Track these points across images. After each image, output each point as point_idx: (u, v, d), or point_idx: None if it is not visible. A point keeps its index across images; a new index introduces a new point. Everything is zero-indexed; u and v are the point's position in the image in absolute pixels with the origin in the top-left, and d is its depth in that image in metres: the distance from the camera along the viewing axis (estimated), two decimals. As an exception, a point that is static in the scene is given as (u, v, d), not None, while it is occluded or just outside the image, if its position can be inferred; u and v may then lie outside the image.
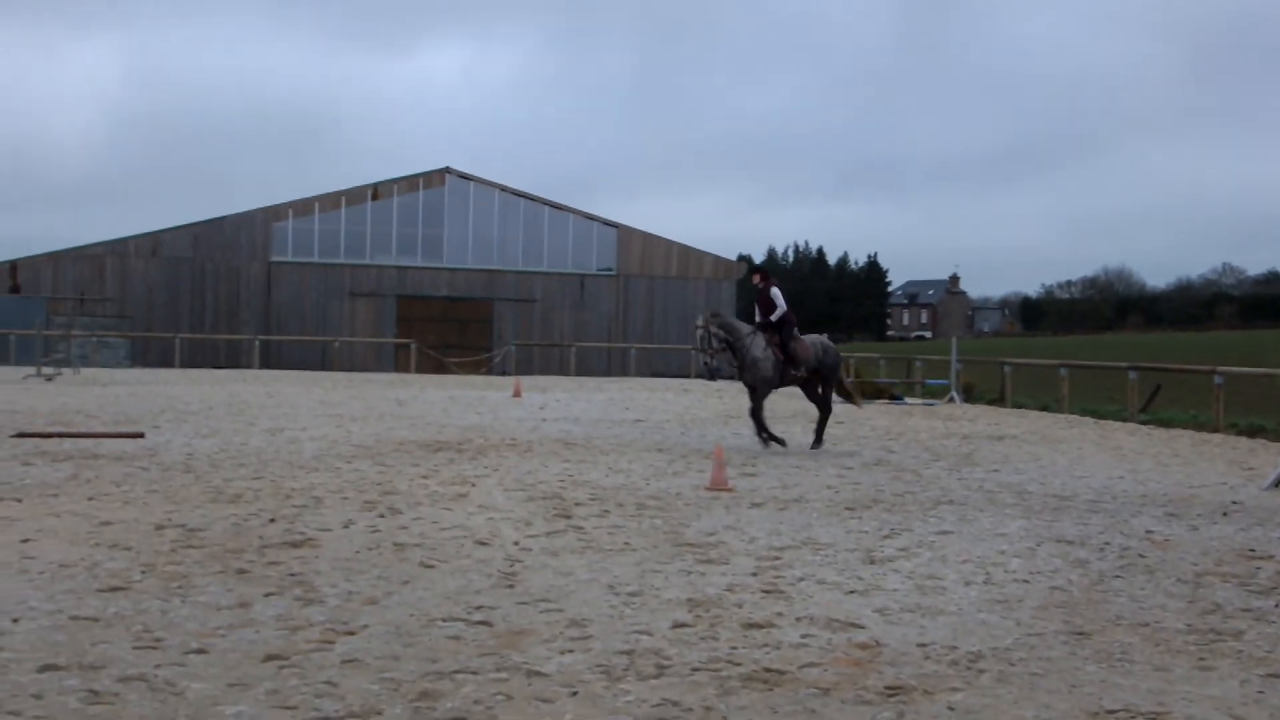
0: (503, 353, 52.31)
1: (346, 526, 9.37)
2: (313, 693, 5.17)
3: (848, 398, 19.13)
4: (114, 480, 11.70)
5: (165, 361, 47.22)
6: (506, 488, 11.94)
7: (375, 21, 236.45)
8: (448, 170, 55.62)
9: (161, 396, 25.84)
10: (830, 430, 18.55)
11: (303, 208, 54.20)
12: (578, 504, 10.96)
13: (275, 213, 53.92)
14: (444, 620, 6.50)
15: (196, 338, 50.22)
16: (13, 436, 15.72)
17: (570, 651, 5.96)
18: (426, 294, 54.56)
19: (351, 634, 6.16)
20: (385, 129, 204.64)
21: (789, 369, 17.27)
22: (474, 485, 12.03)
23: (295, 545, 8.52)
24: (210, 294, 53.26)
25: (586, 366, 52.00)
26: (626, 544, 8.99)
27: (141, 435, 16.25)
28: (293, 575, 7.52)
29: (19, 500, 10.24)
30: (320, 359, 51.04)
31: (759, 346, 17.20)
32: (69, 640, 5.86)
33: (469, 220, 55.54)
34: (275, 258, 53.70)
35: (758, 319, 17.53)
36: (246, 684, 5.25)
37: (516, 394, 30.00)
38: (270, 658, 5.67)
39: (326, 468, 13.19)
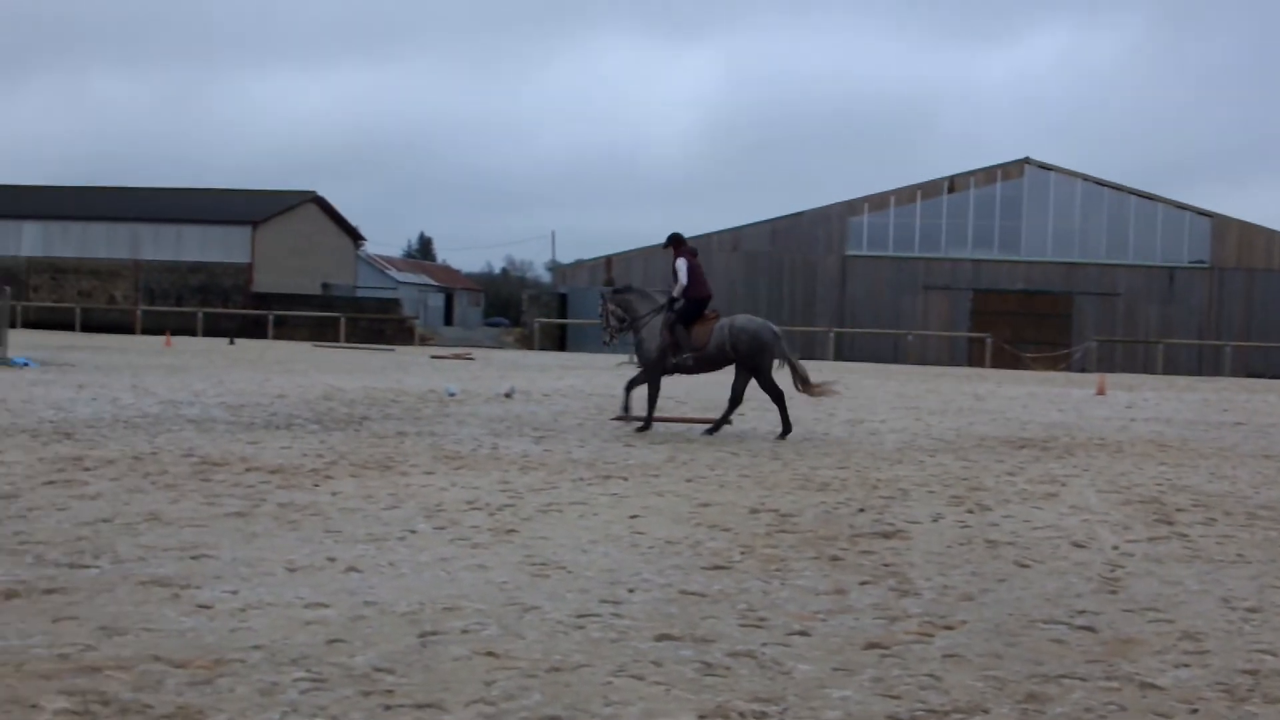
0: (1083, 349, 50.27)
1: (935, 520, 9.27)
2: (916, 684, 5.09)
3: (802, 386, 15.63)
4: (708, 464, 12.27)
5: (746, 352, 49.32)
6: (1099, 489, 11.36)
7: (976, 13, 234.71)
8: (1027, 161, 54.19)
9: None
10: None
11: (878, 202, 54.77)
12: (1179, 510, 10.22)
13: (851, 207, 54.87)
14: (1045, 622, 6.22)
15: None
16: (613, 419, 16.91)
17: (1186, 666, 5.52)
18: (1002, 287, 53.48)
19: (950, 628, 6.03)
20: (968, 121, 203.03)
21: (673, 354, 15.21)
22: (1064, 485, 11.54)
23: (886, 536, 8.53)
24: (787, 286, 55.07)
25: (1174, 364, 48.88)
26: (1239, 555, 8.26)
27: (729, 422, 16.97)
28: (886, 565, 7.51)
29: (625, 479, 10.98)
30: (892, 352, 51.39)
31: (651, 328, 15.44)
32: (680, 613, 6.14)
33: (1048, 212, 53.81)
34: (850, 251, 54.65)
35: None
36: (850, 669, 5.27)
37: (1100, 391, 28.67)
38: (871, 645, 5.66)
39: (909, 460, 13.16)
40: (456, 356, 39.77)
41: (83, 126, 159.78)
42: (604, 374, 30.66)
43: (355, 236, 72.80)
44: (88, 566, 6.69)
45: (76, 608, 5.81)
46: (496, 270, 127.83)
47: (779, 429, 15.39)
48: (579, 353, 50.18)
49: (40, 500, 8.75)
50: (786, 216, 55.55)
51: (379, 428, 14.77)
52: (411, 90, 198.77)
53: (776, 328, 15.72)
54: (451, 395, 20.34)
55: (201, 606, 5.90)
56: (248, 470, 10.61)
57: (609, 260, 56.78)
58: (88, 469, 10.38)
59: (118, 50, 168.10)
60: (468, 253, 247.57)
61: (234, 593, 6.18)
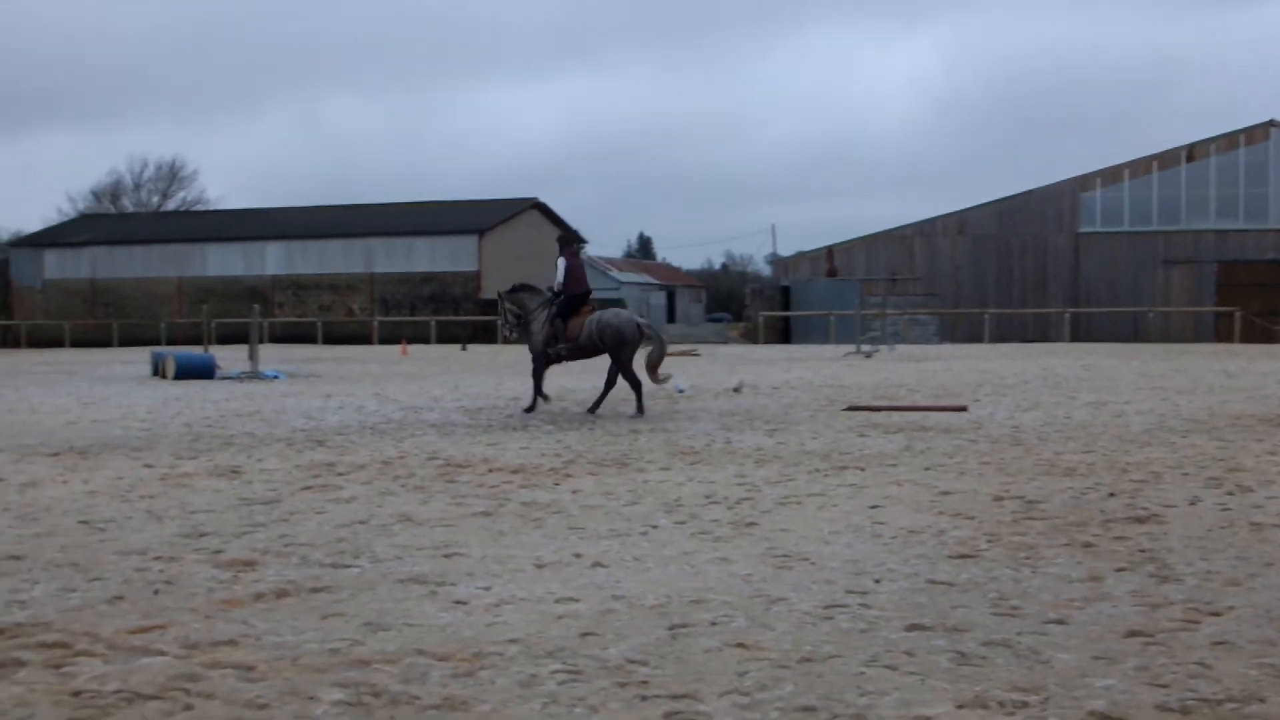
0: (1340, 319, 47.43)
1: (1193, 503, 8.87)
2: (1184, 672, 4.89)
3: (650, 374, 16.73)
4: (945, 452, 12.04)
5: (974, 336, 48.25)
6: (1370, 466, 10.69)
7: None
8: (1272, 124, 51.41)
9: (975, 371, 26.38)
10: None
11: (1111, 176, 52.82)
12: None
13: (1082, 183, 53.08)
14: (1321, 608, 5.90)
15: (1004, 312, 50.82)
16: (844, 410, 16.77)
17: None
18: (1250, 258, 50.89)
19: (1217, 615, 5.77)
20: (1206, 88, 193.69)
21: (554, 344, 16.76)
22: (1330, 462, 10.91)
23: (1140, 520, 8.21)
24: (1016, 268, 53.64)
25: None
26: None
27: (964, 409, 16.63)
28: (1142, 551, 7.22)
29: (862, 469, 10.86)
30: (1132, 330, 49.52)
31: (538, 321, 17.03)
32: (929, 603, 6.04)
33: (1298, 175, 50.91)
34: (1083, 229, 52.87)
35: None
36: (1111, 658, 5.09)
37: (1361, 364, 27.01)
38: (1132, 633, 5.45)
39: (1159, 442, 12.64)
40: (683, 353, 40.07)
41: (319, 148, 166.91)
42: (832, 365, 30.42)
43: (578, 240, 74.15)
44: (349, 566, 6.99)
45: (342, 605, 6.07)
46: (716, 266, 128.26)
47: (631, 409, 16.72)
48: (804, 344, 49.89)
49: (300, 505, 9.18)
50: (1014, 196, 54.05)
51: (612, 426, 14.99)
52: (629, 93, 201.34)
53: (643, 321, 17.11)
54: (681, 392, 20.48)
55: (458, 602, 6.09)
56: (490, 471, 10.90)
57: (830, 251, 56.29)
58: (341, 474, 10.85)
59: (350, 74, 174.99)
60: (687, 250, 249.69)
61: (487, 589, 6.36)
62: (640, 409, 16.47)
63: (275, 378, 26.75)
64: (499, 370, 30.00)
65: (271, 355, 36.64)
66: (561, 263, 16.90)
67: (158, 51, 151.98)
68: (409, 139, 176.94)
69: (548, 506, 8.95)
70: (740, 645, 5.29)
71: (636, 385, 16.70)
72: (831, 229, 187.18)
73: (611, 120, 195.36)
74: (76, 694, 4.73)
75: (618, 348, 16.59)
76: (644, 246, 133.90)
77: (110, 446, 13.19)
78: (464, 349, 47.71)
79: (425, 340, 56.69)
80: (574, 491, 9.66)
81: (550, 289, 17.45)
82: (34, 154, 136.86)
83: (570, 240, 17.77)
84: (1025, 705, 4.51)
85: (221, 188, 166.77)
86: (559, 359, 17.12)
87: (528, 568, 6.88)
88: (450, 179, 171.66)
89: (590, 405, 16.97)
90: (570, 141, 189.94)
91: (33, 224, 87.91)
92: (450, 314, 61.59)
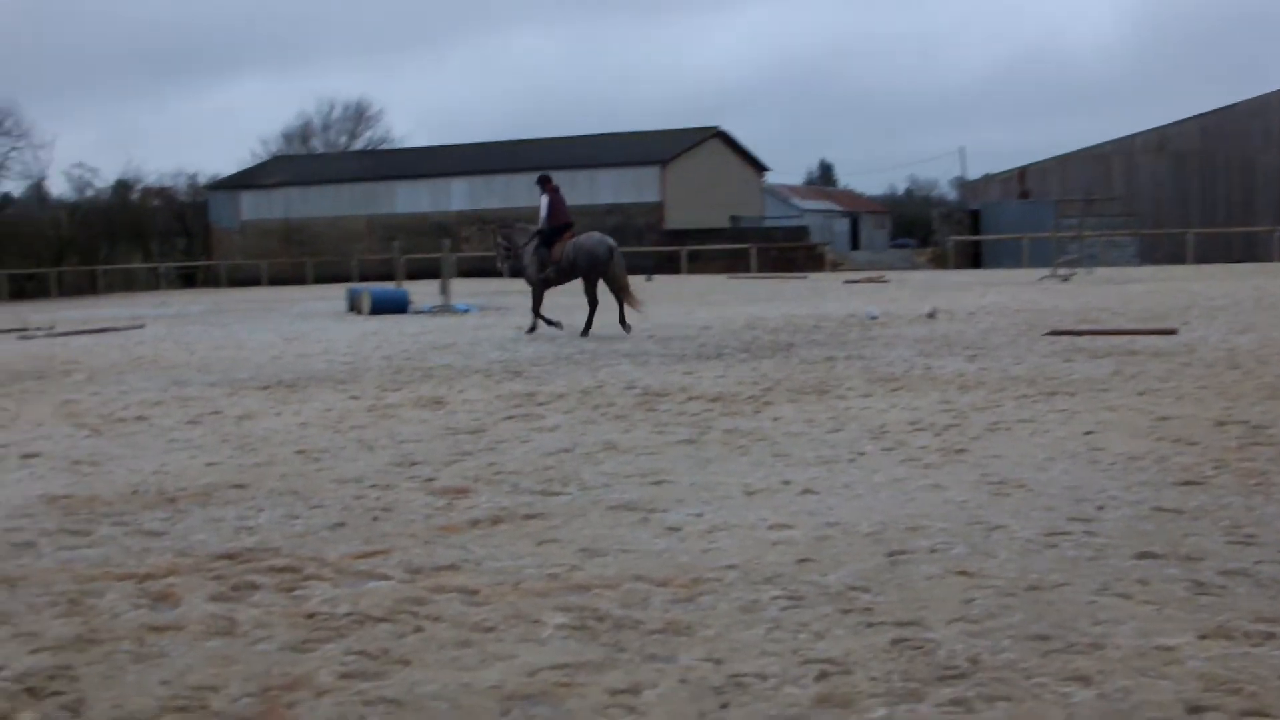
0: None
1: None
2: None
3: (621, 297, 18.81)
4: (1158, 376, 11.58)
5: (1175, 258, 46.34)
6: None
7: None
8: None
9: (1182, 293, 25.34)
10: None
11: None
12: None
13: (1292, 94, 50.31)
14: None
15: (1207, 232, 48.65)
16: (1045, 335, 16.28)
17: None
18: None
19: None
20: None
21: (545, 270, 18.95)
22: None
23: (1379, 445, 7.76)
24: (1221, 186, 51.26)
25: None
26: None
27: (1174, 331, 15.98)
28: (1386, 477, 6.83)
29: (1072, 394, 10.52)
30: (1348, 249, 46.90)
31: (528, 253, 19.38)
32: (1158, 530, 5.81)
33: None
34: (1294, 142, 50.19)
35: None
36: (1364, 590, 4.82)
37: None
38: (1384, 564, 5.15)
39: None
40: (870, 280, 39.50)
41: (501, 83, 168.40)
42: (1028, 289, 29.58)
43: (759, 168, 73.50)
44: (558, 494, 7.06)
45: (556, 531, 6.13)
46: (899, 192, 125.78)
47: (582, 326, 18.81)
48: (996, 269, 48.65)
49: (505, 434, 9.31)
50: (1218, 110, 51.59)
51: (807, 353, 14.84)
52: (810, 17, 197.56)
53: (613, 243, 19.13)
54: (873, 318, 20.18)
55: (671, 529, 6.09)
56: (689, 400, 10.90)
57: (1022, 172, 54.67)
58: (541, 404, 10.98)
59: (532, 6, 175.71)
60: (868, 176, 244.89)
61: (698, 515, 6.35)
62: (588, 330, 18.63)
63: (466, 311, 27.26)
64: (687, 300, 30.00)
65: (460, 289, 37.33)
66: (545, 200, 19.23)
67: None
68: (590, 71, 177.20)
69: (751, 434, 8.90)
70: (963, 573, 5.17)
71: (594, 305, 18.94)
72: (1022, 150, 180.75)
73: (792, 46, 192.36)
74: (310, 616, 4.88)
75: (589, 267, 18.75)
76: (825, 173, 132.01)
77: (316, 380, 13.61)
78: (649, 279, 47.85)
79: (609, 272, 57.07)
80: (775, 419, 9.58)
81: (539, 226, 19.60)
82: (227, 100, 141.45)
83: (548, 179, 19.80)
84: (1272, 636, 4.30)
85: (406, 126, 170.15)
86: (552, 282, 19.30)
87: (737, 494, 6.85)
88: (631, 109, 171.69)
89: (582, 330, 18.74)
90: (750, 69, 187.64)
91: (228, 167, 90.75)
92: (634, 245, 61.76)
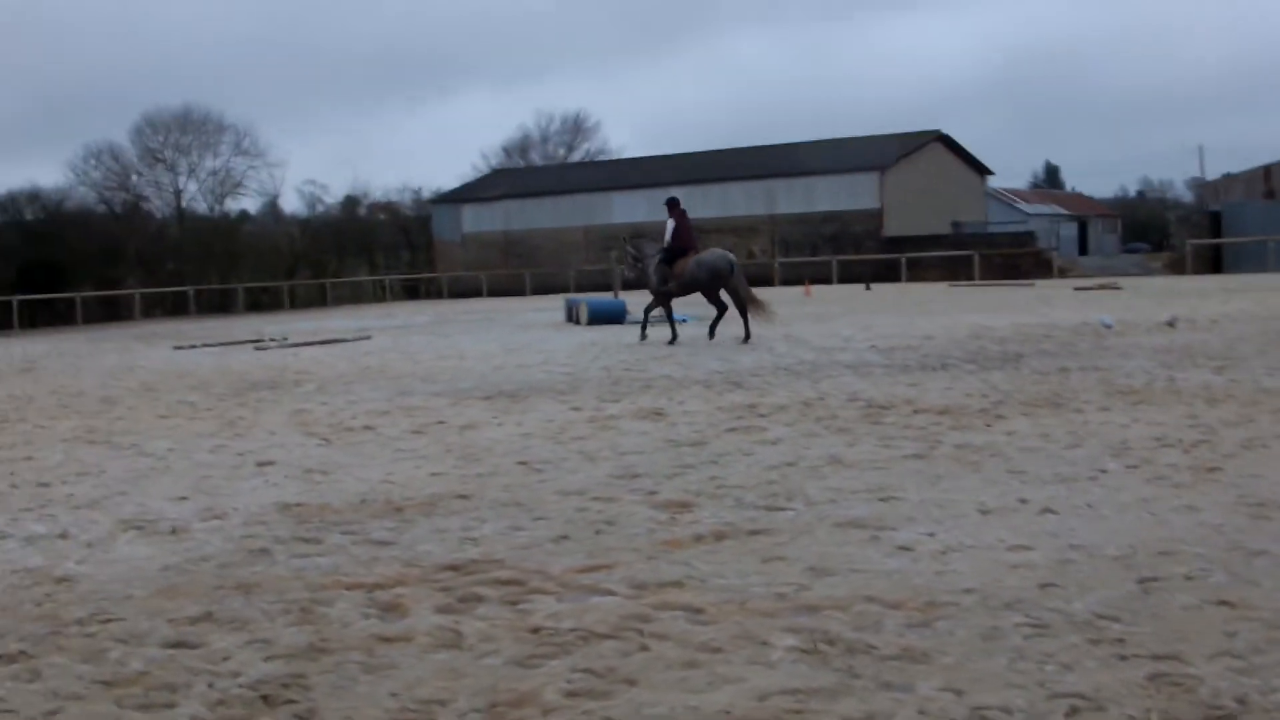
0: None
1: None
2: None
3: (744, 308, 19.89)
4: None
5: None
6: None
7: None
8: None
9: None
10: None
11: None
12: None
13: None
14: None
15: None
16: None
17: None
18: None
19: None
20: None
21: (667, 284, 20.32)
22: None
23: None
24: None
25: None
26: None
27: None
28: None
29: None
30: None
31: (652, 264, 20.62)
32: None
33: None
34: None
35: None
36: None
37: None
38: None
39: None
40: (1102, 287, 38.02)
41: (718, 90, 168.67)
42: (1276, 296, 27.97)
43: (982, 171, 71.73)
44: (783, 509, 6.88)
45: (782, 548, 5.96)
46: (1130, 193, 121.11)
47: (742, 335, 19.85)
48: (1238, 274, 46.26)
49: (727, 446, 9.18)
50: None
51: (1038, 364, 14.28)
52: (1033, 13, 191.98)
53: (734, 258, 20.48)
54: (1107, 327, 19.35)
55: (902, 548, 5.85)
56: (915, 412, 10.57)
57: (1267, 170, 51.79)
58: (763, 415, 10.81)
59: (748, 11, 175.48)
60: (1096, 178, 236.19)
61: (931, 535, 6.09)
62: (713, 332, 20.22)
63: (684, 321, 27.25)
64: (908, 309, 29.40)
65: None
66: (670, 223, 20.35)
67: (560, 7, 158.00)
68: (807, 75, 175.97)
69: (983, 449, 8.55)
70: (1224, 602, 4.80)
71: (721, 309, 20.36)
72: (1267, 147, 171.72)
73: (1014, 43, 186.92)
74: (535, 630, 4.83)
75: (711, 280, 20.05)
76: (1050, 175, 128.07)
77: (537, 390, 13.74)
78: (868, 289, 47.19)
79: (826, 281, 56.41)
80: (1008, 433, 9.19)
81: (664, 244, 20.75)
82: (449, 115, 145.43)
83: (676, 202, 20.90)
84: None
85: (623, 137, 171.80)
86: (673, 295, 20.76)
87: (971, 513, 6.56)
88: (850, 113, 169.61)
89: (709, 330, 20.40)
90: (973, 70, 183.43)
91: (450, 181, 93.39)
92: (851, 254, 61.05)
